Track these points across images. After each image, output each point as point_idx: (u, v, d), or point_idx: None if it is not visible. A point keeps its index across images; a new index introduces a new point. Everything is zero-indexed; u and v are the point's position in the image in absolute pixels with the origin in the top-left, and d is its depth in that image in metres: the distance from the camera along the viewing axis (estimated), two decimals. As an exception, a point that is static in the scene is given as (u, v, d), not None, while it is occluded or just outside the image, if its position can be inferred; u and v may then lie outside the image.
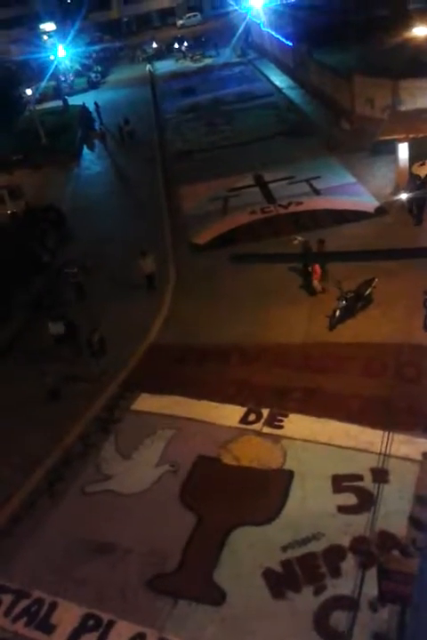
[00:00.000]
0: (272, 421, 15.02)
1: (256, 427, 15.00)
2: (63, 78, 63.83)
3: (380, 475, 12.71)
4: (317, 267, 19.84)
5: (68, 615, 11.58)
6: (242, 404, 15.78)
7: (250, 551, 11.97)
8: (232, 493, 13.31)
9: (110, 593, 11.78)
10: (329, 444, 14.04)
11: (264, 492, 13.17)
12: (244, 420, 15.32)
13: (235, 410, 15.70)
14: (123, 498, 13.94)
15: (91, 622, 11.36)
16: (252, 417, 15.32)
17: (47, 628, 11.49)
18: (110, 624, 11.23)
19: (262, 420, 15.11)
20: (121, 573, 12.11)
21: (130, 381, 17.87)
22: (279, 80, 48.59)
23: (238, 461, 14.14)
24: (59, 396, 17.29)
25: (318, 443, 14.17)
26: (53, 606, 11.81)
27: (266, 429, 14.86)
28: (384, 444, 13.37)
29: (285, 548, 11.81)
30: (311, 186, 27.74)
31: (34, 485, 14.75)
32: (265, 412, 15.33)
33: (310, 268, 19.88)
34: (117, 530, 13.06)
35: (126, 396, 17.28)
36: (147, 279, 21.74)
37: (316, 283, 19.84)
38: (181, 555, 12.19)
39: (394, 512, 11.96)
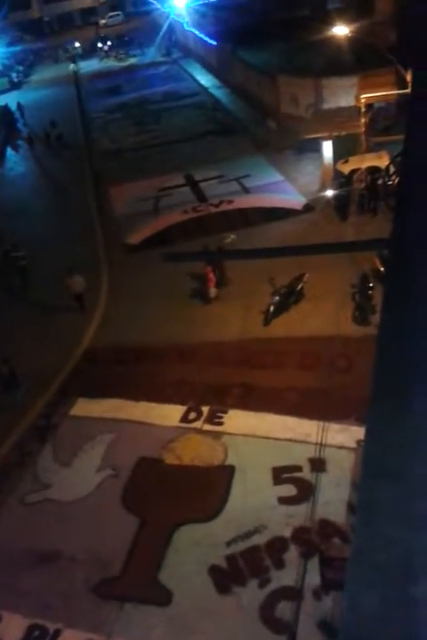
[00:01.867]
0: (212, 418, 15.18)
1: (197, 424, 15.12)
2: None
3: (318, 464, 13.07)
4: (210, 274, 19.96)
5: (12, 627, 11.35)
6: (182, 403, 15.86)
7: (195, 549, 12.08)
8: (175, 493, 13.38)
9: (56, 602, 11.62)
10: (268, 437, 14.34)
11: (207, 489, 13.30)
12: (184, 418, 15.41)
13: (175, 409, 15.76)
14: (64, 505, 13.74)
15: (36, 633, 11.17)
16: (192, 415, 15.43)
17: (-9, 642, 11.22)
18: (56, 633, 11.08)
19: (203, 418, 15.25)
20: (66, 581, 11.96)
21: (66, 386, 17.60)
22: (205, 79, 48.87)
23: (180, 460, 14.22)
24: None
25: (257, 437, 14.43)
26: (-3, 620, 11.55)
27: (206, 427, 15.00)
28: (320, 435, 13.79)
29: (229, 544, 11.97)
30: (241, 184, 28.09)
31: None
32: (205, 409, 15.47)
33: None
34: (60, 538, 12.86)
35: (63, 402, 17.00)
36: (76, 299, 20.45)
37: (212, 289, 19.98)
38: (126, 558, 12.15)
39: (333, 500, 12.33)
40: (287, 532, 11.96)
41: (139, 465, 14.34)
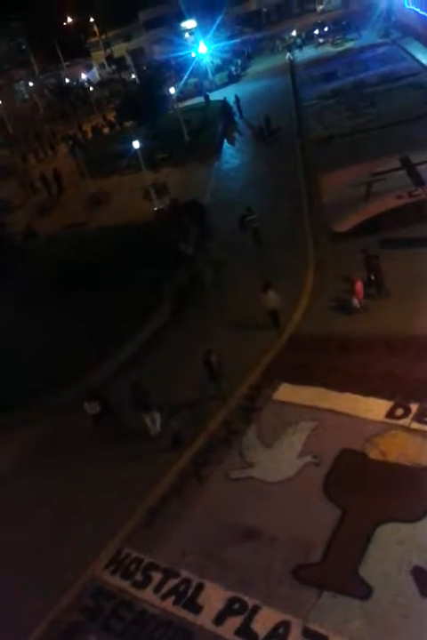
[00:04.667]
0: (422, 417, 14.29)
1: (404, 422, 14.38)
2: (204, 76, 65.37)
3: None
4: (359, 283, 18.80)
5: (214, 597, 11.93)
6: (388, 398, 15.18)
7: (398, 548, 11.57)
8: (379, 489, 12.93)
9: (255, 578, 11.95)
10: None
11: (413, 489, 12.62)
12: (390, 414, 14.75)
13: (380, 404, 15.16)
14: (266, 485, 14.07)
15: (236, 606, 11.61)
16: (399, 412, 14.70)
17: (194, 608, 11.91)
18: (255, 609, 11.40)
19: (411, 416, 14.44)
20: (266, 560, 12.25)
21: (271, 370, 17.93)
22: (426, 58, 46.11)
23: (385, 457, 13.67)
24: (180, 443, 15.97)
25: None
26: (200, 587, 12.23)
27: (415, 425, 14.18)
28: None
29: (435, 548, 11.29)
30: (465, 166, 26.01)
31: (182, 468, 15.37)
32: (414, 406, 14.63)
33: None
34: (262, 516, 13.22)
35: (268, 385, 17.35)
36: (270, 316, 19.34)
37: (355, 301, 18.76)
38: (326, 546, 12.07)
39: None
40: None
41: (341, 456, 14.10)
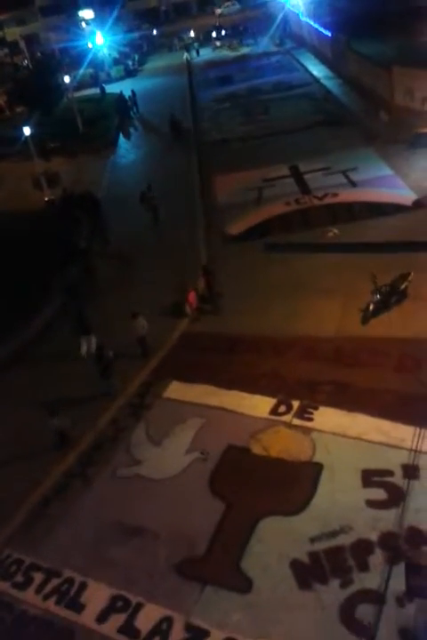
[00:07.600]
0: (302, 413, 15.01)
1: (286, 418, 15.01)
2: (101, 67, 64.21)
3: (411, 471, 12.66)
4: (192, 294, 20.01)
5: (97, 595, 11.83)
6: (272, 396, 15.79)
7: (277, 541, 12.04)
8: (261, 483, 13.40)
9: (139, 575, 11.99)
10: (360, 439, 13.95)
11: (293, 483, 13.20)
12: (274, 411, 15.34)
13: (265, 401, 15.72)
14: (153, 483, 14.14)
15: (119, 603, 11.58)
16: (282, 408, 15.33)
17: (77, 606, 11.76)
18: (138, 606, 11.44)
19: (292, 412, 15.11)
20: (150, 557, 12.32)
21: (161, 369, 18.04)
22: (317, 70, 48.13)
23: (267, 452, 14.19)
24: (68, 441, 15.50)
25: (348, 437, 14.10)
26: (83, 586, 12.08)
27: (296, 421, 14.86)
28: (416, 441, 13.31)
29: (312, 540, 11.83)
30: (347, 177, 27.44)
31: (66, 468, 15.07)
32: (295, 403, 15.33)
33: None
34: (147, 514, 13.27)
35: (158, 383, 17.44)
36: (138, 342, 18.46)
37: (188, 308, 19.98)
38: (209, 541, 12.33)
39: (424, 509, 11.88)
40: (374, 536, 11.64)
41: (227, 452, 14.46)
